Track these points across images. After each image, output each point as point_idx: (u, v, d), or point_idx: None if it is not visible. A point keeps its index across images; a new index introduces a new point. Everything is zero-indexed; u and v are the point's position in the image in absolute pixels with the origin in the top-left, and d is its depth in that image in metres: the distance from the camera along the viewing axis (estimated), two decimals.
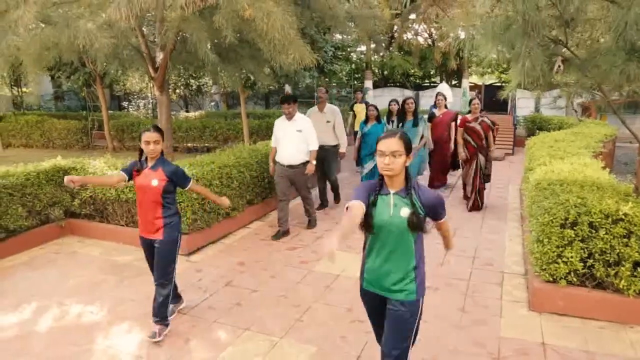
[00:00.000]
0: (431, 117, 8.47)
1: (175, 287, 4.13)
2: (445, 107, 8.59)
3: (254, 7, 5.01)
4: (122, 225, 6.17)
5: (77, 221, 6.45)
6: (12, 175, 5.84)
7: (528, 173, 6.51)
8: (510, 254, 5.56)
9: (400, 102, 7.79)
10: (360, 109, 11.41)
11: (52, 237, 6.21)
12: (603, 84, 4.31)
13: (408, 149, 2.44)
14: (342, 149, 7.47)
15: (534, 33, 3.82)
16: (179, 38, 7.20)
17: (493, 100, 16.92)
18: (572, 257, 3.99)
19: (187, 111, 21.74)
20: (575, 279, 4.07)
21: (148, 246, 3.90)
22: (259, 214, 7.18)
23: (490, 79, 29.93)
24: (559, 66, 4.23)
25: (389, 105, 8.08)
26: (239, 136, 13.74)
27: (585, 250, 3.99)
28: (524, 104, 19.20)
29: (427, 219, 2.55)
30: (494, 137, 7.46)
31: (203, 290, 4.71)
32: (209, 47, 6.65)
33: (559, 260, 4.06)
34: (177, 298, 4.26)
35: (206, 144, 14.71)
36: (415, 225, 2.43)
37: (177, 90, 20.50)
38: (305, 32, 9.95)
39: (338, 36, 16.53)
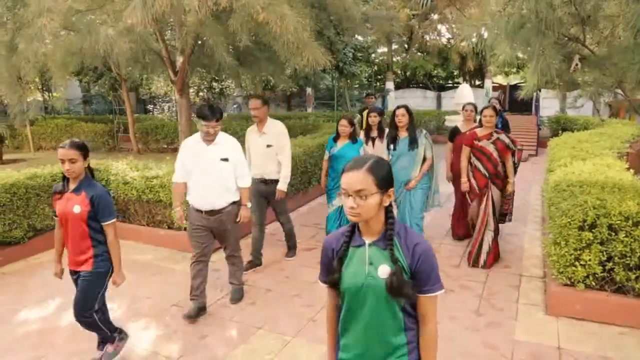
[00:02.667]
0: (453, 134, 6.12)
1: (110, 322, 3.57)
2: (476, 121, 6.03)
3: (267, 10, 5.07)
4: (143, 225, 6.31)
5: None
6: (39, 176, 6.05)
7: (548, 174, 6.39)
8: (529, 257, 5.46)
9: (393, 113, 5.55)
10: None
11: None
12: (623, 82, 4.22)
13: (383, 183, 1.71)
14: (282, 186, 5.14)
15: (549, 31, 3.76)
16: (198, 42, 7.34)
17: (517, 100, 16.66)
18: (590, 260, 3.90)
19: None
20: (594, 283, 3.98)
21: (76, 281, 3.36)
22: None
23: (515, 79, 29.44)
24: (576, 64, 4.15)
25: (367, 116, 6.04)
26: None
27: (605, 253, 3.89)
28: (548, 104, 18.83)
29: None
30: (515, 163, 5.31)
31: (219, 289, 4.77)
32: (227, 50, 6.73)
33: (577, 264, 3.97)
34: (119, 334, 3.62)
35: None
36: (397, 291, 1.69)
37: (200, 93, 20.80)
38: (323, 34, 9.97)
39: (359, 38, 16.52)
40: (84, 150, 3.16)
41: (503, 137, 5.07)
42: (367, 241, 1.77)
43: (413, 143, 5.31)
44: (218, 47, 6.10)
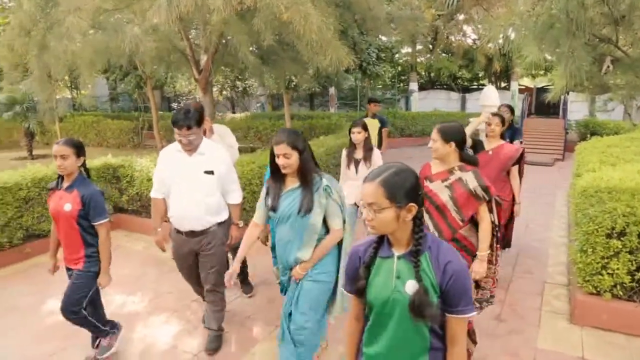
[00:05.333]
0: (476, 149, 4.65)
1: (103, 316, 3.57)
2: (504, 136, 4.81)
3: (291, 9, 5.06)
4: (166, 221, 6.37)
5: (125, 216, 6.74)
6: None
7: (575, 179, 6.23)
8: (554, 264, 5.33)
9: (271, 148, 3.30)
10: (371, 127, 6.88)
11: None
12: None
13: (399, 198, 1.59)
14: (237, 219, 3.70)
15: (580, 32, 3.66)
16: (222, 41, 7.39)
17: (544, 103, 16.32)
18: (618, 269, 3.78)
19: (233, 112, 22.23)
20: (621, 293, 3.85)
21: (70, 277, 3.34)
22: None
23: (542, 82, 28.89)
24: (608, 66, 4.03)
25: (350, 132, 4.76)
26: None
27: (634, 262, 3.77)
28: (576, 108, 18.41)
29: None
30: (495, 225, 3.08)
31: (239, 287, 4.79)
32: (251, 49, 6.77)
33: (604, 272, 3.85)
34: (112, 327, 3.60)
35: (250, 144, 15.00)
36: (419, 312, 1.59)
37: (224, 92, 20.99)
38: (347, 34, 9.95)
39: (382, 38, 16.43)
40: (77, 148, 3.16)
41: (470, 176, 2.99)
42: (396, 253, 1.69)
43: (305, 200, 2.72)
44: (242, 46, 6.13)
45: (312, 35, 5.28)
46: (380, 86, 22.68)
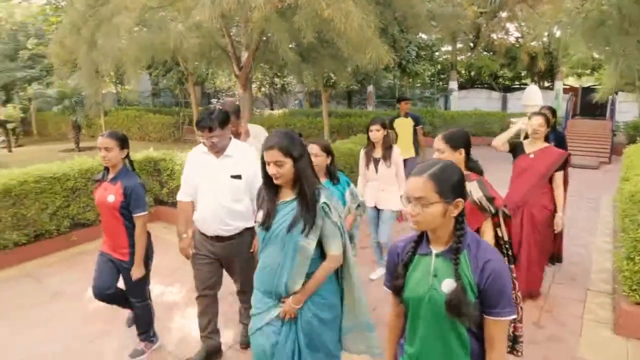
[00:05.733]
0: (515, 152, 4.34)
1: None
2: (548, 139, 4.32)
3: (332, 6, 5.06)
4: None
5: (164, 208, 6.92)
6: None
7: (623, 183, 5.98)
8: (598, 271, 5.14)
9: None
10: (404, 127, 6.96)
11: None
12: None
13: (448, 193, 1.58)
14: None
15: (633, 29, 3.50)
16: (263, 38, 7.48)
17: (590, 104, 15.71)
18: None
19: (271, 109, 22.44)
20: None
21: (108, 261, 3.42)
22: None
23: (589, 81, 27.84)
24: None
25: (368, 130, 4.50)
26: (320, 134, 13.97)
27: None
28: (625, 109, 17.63)
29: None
30: (504, 242, 2.83)
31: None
32: (291, 46, 6.82)
33: None
34: (154, 336, 3.72)
35: None
36: (455, 311, 1.55)
37: (263, 89, 21.22)
38: (387, 32, 9.86)
39: (422, 36, 16.22)
40: (120, 140, 3.23)
41: (474, 186, 2.76)
42: (434, 251, 1.66)
43: (301, 215, 2.27)
44: (282, 43, 6.19)
45: (353, 33, 5.27)
46: (419, 85, 22.38)
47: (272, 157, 2.18)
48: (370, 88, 20.20)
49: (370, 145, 4.53)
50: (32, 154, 13.87)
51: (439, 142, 2.78)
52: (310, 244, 2.22)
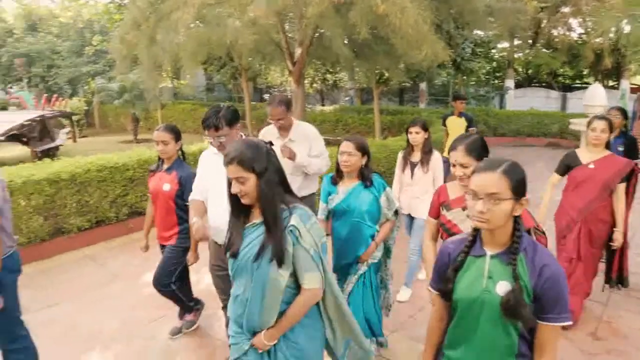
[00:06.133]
0: (567, 167, 3.88)
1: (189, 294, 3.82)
2: (609, 145, 3.79)
3: (388, 2, 5.02)
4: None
5: None
6: None
7: None
8: None
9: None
10: (456, 126, 6.79)
11: None
12: None
13: (518, 189, 1.57)
14: (300, 157, 3.74)
15: None
16: (316, 34, 7.52)
17: None
18: None
19: (322, 105, 22.53)
20: None
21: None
22: None
23: None
24: None
25: (408, 131, 4.22)
26: (371, 131, 13.89)
27: None
28: None
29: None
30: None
31: None
32: (344, 42, 6.82)
33: None
34: (196, 304, 3.90)
35: (338, 137, 15.15)
36: (512, 312, 1.53)
37: (314, 85, 21.34)
38: (442, 28, 9.66)
39: (478, 32, 15.77)
40: (175, 133, 3.40)
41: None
42: (489, 252, 1.63)
43: (269, 242, 2.00)
44: (336, 39, 6.20)
45: (408, 29, 5.20)
46: (473, 82, 21.78)
47: (233, 173, 1.84)
48: (423, 85, 19.88)
49: (409, 147, 4.25)
50: (94, 144, 14.59)
51: (460, 153, 2.35)
52: (282, 275, 1.86)
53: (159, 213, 3.51)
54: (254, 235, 1.92)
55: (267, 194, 1.85)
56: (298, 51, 7.51)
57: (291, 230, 1.84)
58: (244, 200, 1.90)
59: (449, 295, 1.70)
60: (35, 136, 11.45)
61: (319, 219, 3.20)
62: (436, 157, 4.19)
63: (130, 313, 4.15)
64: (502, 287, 1.56)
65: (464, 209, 2.42)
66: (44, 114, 11.78)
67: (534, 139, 15.09)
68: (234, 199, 1.94)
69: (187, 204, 3.36)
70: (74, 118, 15.82)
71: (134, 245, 5.78)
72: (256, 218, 1.95)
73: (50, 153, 10.72)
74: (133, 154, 6.44)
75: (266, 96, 23.68)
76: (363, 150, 3.07)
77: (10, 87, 20.87)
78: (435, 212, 2.63)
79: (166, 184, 3.39)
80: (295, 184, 3.58)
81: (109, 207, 6.03)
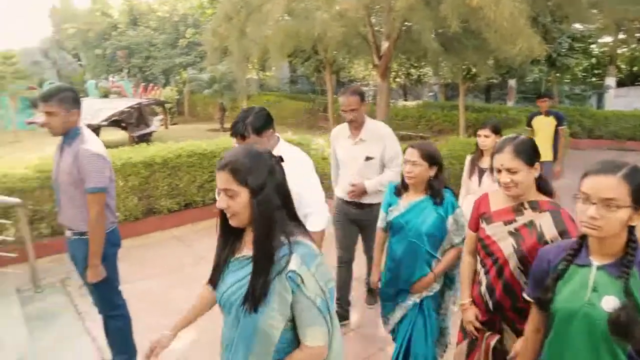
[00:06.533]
0: None
1: None
2: None
3: None
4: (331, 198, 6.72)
5: None
6: None
7: None
8: None
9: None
10: (544, 126, 6.31)
11: None
12: None
13: (638, 197, 1.42)
14: (370, 184, 3.50)
15: None
16: (403, 27, 7.40)
17: None
18: None
19: (405, 100, 22.24)
20: None
21: None
22: None
23: None
24: None
25: (477, 133, 3.88)
26: (455, 128, 13.49)
27: None
28: None
29: None
30: None
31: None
32: (433, 36, 6.65)
33: None
34: None
35: (420, 134, 14.87)
36: (622, 331, 1.39)
37: (397, 79, 21.10)
38: (538, 21, 9.11)
39: (577, 26, 14.70)
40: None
41: (546, 220, 2.01)
42: (596, 263, 1.50)
43: (255, 284, 1.51)
44: (425, 32, 6.06)
45: (503, 22, 4.97)
46: (568, 80, 20.44)
47: (222, 183, 1.47)
48: (512, 82, 18.96)
49: (478, 152, 3.84)
50: (184, 131, 15.42)
51: (508, 156, 2.00)
52: (276, 326, 1.47)
53: None
54: (242, 273, 1.52)
55: (261, 217, 1.45)
56: (385, 45, 7.44)
57: (290, 277, 1.43)
58: (231, 221, 1.50)
59: (547, 305, 1.59)
60: (133, 122, 12.34)
61: (378, 228, 2.86)
62: None
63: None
64: (610, 303, 1.43)
65: (506, 223, 2.08)
66: (141, 102, 12.66)
67: (636, 143, 13.86)
68: (222, 217, 1.56)
69: None
70: (167, 106, 16.83)
71: (201, 234, 6.06)
72: (247, 249, 1.55)
73: (145, 138, 11.50)
74: (220, 142, 6.74)
75: None
76: (431, 159, 2.55)
77: (113, 77, 22.57)
78: (474, 225, 2.27)
79: None
80: (370, 186, 3.47)
81: (197, 192, 6.36)
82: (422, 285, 2.59)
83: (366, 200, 3.50)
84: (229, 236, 1.60)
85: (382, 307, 2.85)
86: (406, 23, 7.30)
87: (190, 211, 6.36)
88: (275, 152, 2.35)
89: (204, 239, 5.74)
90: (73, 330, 3.77)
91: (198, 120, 20.30)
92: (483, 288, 2.15)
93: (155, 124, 13.16)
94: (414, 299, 2.63)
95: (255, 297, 1.43)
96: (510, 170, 1.99)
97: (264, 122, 2.58)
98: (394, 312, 2.75)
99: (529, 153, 2.00)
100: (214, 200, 6.40)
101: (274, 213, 1.48)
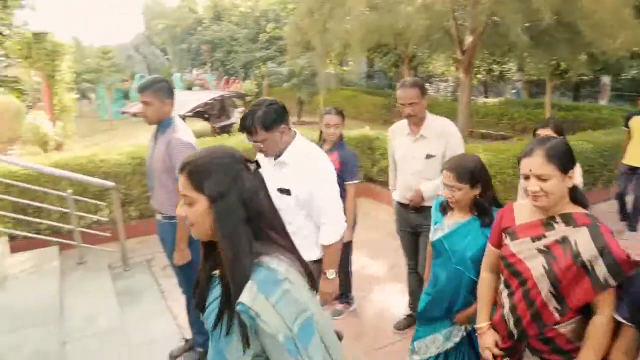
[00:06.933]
0: None
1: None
2: None
3: None
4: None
5: (374, 186, 7.25)
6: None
7: None
8: None
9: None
10: None
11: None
12: None
13: None
14: (427, 189, 3.23)
15: None
16: (489, 21, 7.10)
17: None
18: None
19: (486, 97, 21.41)
20: None
21: None
22: None
23: None
24: None
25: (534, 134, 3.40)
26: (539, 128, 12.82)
27: None
28: None
29: None
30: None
31: None
32: (521, 30, 6.32)
33: None
34: (350, 300, 4.07)
35: (502, 132, 14.25)
36: None
37: (479, 75, 20.34)
38: None
39: None
40: (343, 117, 3.57)
41: (582, 236, 1.69)
42: None
43: (224, 309, 1.31)
44: (514, 26, 5.78)
45: (605, 13, 4.61)
46: None
47: (180, 187, 1.28)
48: (606, 79, 17.63)
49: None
50: None
51: (539, 163, 1.71)
52: (242, 358, 1.23)
53: None
54: (217, 292, 1.33)
55: (222, 231, 1.23)
56: (469, 39, 7.19)
57: (241, 310, 1.16)
58: (193, 233, 1.31)
59: None
60: (215, 114, 12.88)
61: (429, 243, 2.50)
62: (577, 171, 3.23)
63: None
64: None
65: (534, 239, 1.76)
66: (223, 95, 13.18)
67: None
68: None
69: (347, 183, 3.50)
70: (247, 99, 17.37)
71: None
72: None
73: (226, 130, 11.96)
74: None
75: (427, 86, 23.26)
76: (472, 179, 2.19)
77: (197, 70, 23.68)
78: (496, 240, 1.97)
79: None
80: (427, 192, 3.18)
81: None
82: (465, 316, 2.29)
83: (425, 203, 3.22)
84: (209, 247, 1.36)
85: (416, 331, 2.52)
86: (493, 17, 6.99)
87: None
88: (289, 151, 2.36)
89: None
90: (157, 307, 4.01)
91: None
92: (506, 311, 1.87)
93: (236, 116, 13.64)
94: (459, 334, 2.35)
95: (222, 324, 1.24)
96: (540, 178, 1.70)
97: (275, 117, 2.30)
98: (429, 345, 2.42)
99: (563, 158, 1.71)
100: None
101: (238, 227, 1.23)
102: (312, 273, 1.37)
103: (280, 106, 2.34)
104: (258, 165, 1.33)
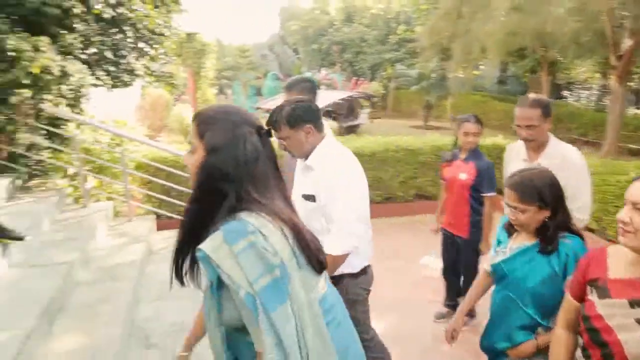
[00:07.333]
0: None
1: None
2: None
3: None
4: None
5: (500, 197, 6.84)
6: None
7: None
8: None
9: None
10: None
11: None
12: None
13: None
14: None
15: None
16: None
17: None
18: None
19: (637, 107, 19.09)
20: None
21: (448, 239, 3.69)
22: None
23: None
24: None
25: None
26: None
27: None
28: None
29: None
30: None
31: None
32: None
33: None
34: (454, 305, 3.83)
35: None
36: None
37: (630, 83, 18.22)
38: None
39: None
40: (481, 124, 3.45)
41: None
42: None
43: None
44: None
45: None
46: None
47: (191, 134, 1.33)
48: None
49: None
50: (386, 126, 15.80)
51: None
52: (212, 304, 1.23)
53: (451, 201, 3.57)
54: None
55: (199, 180, 1.23)
56: (627, 42, 6.41)
57: (199, 257, 1.15)
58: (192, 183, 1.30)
59: None
60: (343, 113, 13.15)
61: (483, 270, 2.24)
62: None
63: (410, 289, 4.38)
64: None
65: (633, 304, 1.30)
66: (352, 95, 13.40)
67: None
68: None
69: (483, 194, 3.38)
70: (373, 100, 17.48)
71: (416, 226, 6.08)
72: None
73: (353, 129, 12.16)
74: (427, 139, 6.72)
75: (565, 93, 21.36)
76: (540, 200, 1.83)
77: (325, 70, 24.37)
78: (577, 292, 1.53)
79: (463, 173, 3.41)
80: None
81: (399, 186, 6.46)
82: (519, 353, 1.94)
83: None
84: None
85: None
86: None
87: (391, 205, 6.50)
88: (316, 152, 2.26)
89: (400, 234, 5.81)
90: None
91: (400, 116, 20.60)
92: None
93: (363, 117, 13.81)
94: None
95: (176, 274, 1.28)
96: (636, 206, 1.27)
97: (301, 115, 2.21)
98: None
99: None
100: (414, 197, 6.46)
101: (219, 183, 1.21)
102: (317, 249, 1.30)
103: (309, 106, 2.26)
104: (269, 134, 1.33)
